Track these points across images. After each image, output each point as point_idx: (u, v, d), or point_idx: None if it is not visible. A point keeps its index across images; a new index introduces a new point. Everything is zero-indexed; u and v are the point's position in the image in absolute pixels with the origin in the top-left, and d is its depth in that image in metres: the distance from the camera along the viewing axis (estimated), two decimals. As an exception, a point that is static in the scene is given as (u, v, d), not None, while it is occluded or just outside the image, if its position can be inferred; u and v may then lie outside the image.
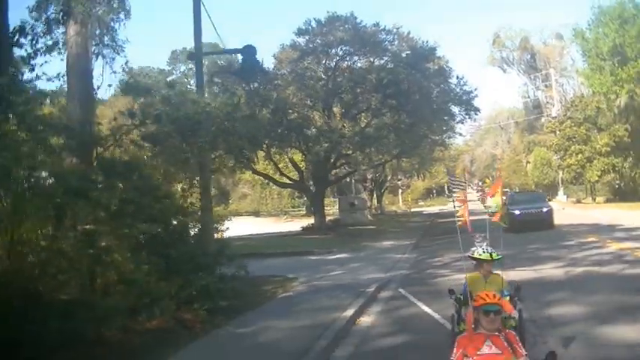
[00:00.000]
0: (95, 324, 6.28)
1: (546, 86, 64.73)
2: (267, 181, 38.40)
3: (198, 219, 10.06)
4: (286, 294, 11.20)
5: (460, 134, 45.45)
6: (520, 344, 4.40)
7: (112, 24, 10.79)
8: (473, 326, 4.55)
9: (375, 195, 50.73)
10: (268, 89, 26.32)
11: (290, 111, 27.02)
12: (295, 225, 34.12)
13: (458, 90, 29.29)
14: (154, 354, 6.67)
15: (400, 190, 66.86)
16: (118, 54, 12.51)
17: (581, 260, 13.57)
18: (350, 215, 36.15)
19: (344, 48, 27.30)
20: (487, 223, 5.89)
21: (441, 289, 8.67)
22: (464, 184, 6.58)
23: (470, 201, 6.50)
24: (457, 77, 29.43)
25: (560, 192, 53.17)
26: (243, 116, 12.22)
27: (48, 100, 7.99)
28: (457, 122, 33.08)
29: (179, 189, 10.10)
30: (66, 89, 9.59)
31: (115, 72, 16.75)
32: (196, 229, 10.06)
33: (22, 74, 9.15)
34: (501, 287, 5.50)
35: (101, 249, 6.58)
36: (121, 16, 11.32)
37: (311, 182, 32.67)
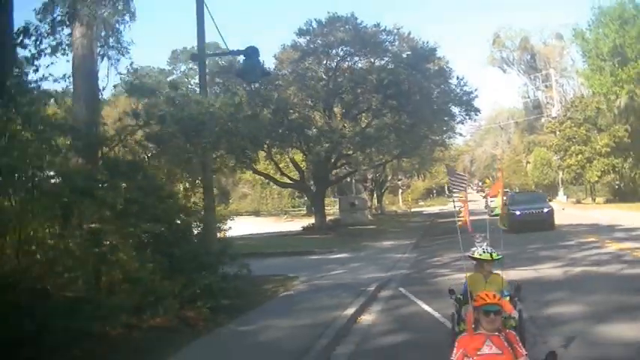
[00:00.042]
0: (100, 321, 6.37)
1: (546, 86, 64.81)
2: (267, 180, 38.49)
3: (201, 218, 10.15)
4: (287, 293, 11.27)
5: (460, 134, 45.59)
6: (520, 344, 4.41)
7: (117, 26, 10.91)
8: (473, 326, 4.55)
9: (375, 195, 50.83)
10: (269, 89, 26.41)
11: (291, 111, 27.13)
12: (295, 225, 34.19)
13: (458, 91, 29.42)
14: (158, 351, 6.73)
15: (400, 190, 66.97)
16: (123, 55, 12.64)
17: (580, 260, 13.66)
18: (350, 215, 36.25)
19: (345, 48, 27.38)
20: (487, 223, 5.96)
21: (441, 289, 8.75)
22: (465, 182, 6.59)
23: (470, 201, 6.56)
24: (457, 78, 29.60)
25: (560, 192, 53.28)
26: (245, 117, 12.32)
27: (53, 101, 8.07)
28: (457, 123, 33.27)
29: (182, 189, 10.20)
30: (70, 90, 9.69)
31: (120, 73, 16.90)
32: (199, 229, 10.16)
33: (27, 75, 9.26)
34: (501, 287, 5.50)
35: (106, 248, 6.67)
36: (126, 18, 11.45)
37: (312, 182, 32.78)
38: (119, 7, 10.31)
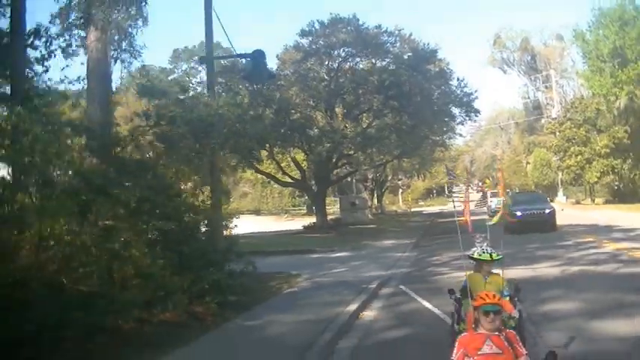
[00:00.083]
0: (113, 315, 6.61)
1: (546, 87, 64.96)
2: (268, 180, 38.70)
3: (209, 216, 10.38)
4: (291, 290, 11.47)
5: (460, 135, 45.59)
6: (520, 344, 4.40)
7: (129, 30, 11.17)
8: (473, 326, 4.53)
9: (375, 195, 51.07)
10: (272, 89, 26.61)
11: (293, 111, 27.37)
12: (296, 224, 34.32)
13: (458, 92, 29.70)
14: (168, 344, 6.92)
15: (400, 190, 67.19)
16: (135, 59, 12.92)
17: (577, 260, 13.83)
18: (351, 214, 36.47)
19: (346, 49, 27.61)
20: (487, 223, 6.08)
21: (441, 286, 8.98)
22: (466, 183, 6.73)
23: (471, 201, 6.69)
24: (458, 79, 29.91)
25: (560, 193, 53.46)
26: (252, 118, 12.57)
27: (70, 102, 8.30)
28: (457, 123, 33.55)
29: (189, 187, 10.42)
30: (81, 90, 9.94)
31: (131, 75, 17.10)
32: (205, 227, 10.38)
33: (37, 74, 9.53)
34: (501, 287, 5.48)
35: (120, 244, 6.92)
36: (139, 22, 11.72)
37: (313, 182, 33.00)
38: (132, 12, 10.56)
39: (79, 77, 9.09)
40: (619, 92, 41.29)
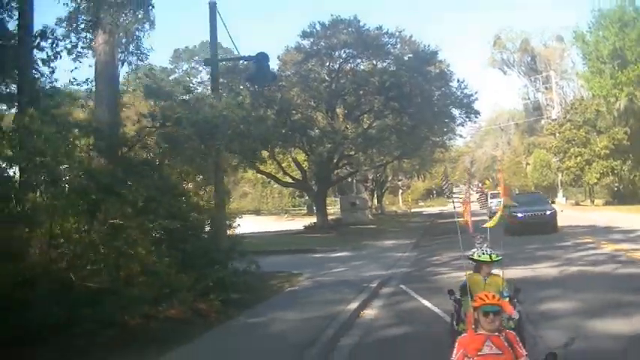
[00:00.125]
0: (120, 311, 6.77)
1: (546, 88, 65.05)
2: (268, 180, 38.82)
3: (213, 216, 10.53)
4: (292, 288, 11.61)
5: (460, 136, 45.62)
6: (520, 344, 4.40)
7: (137, 33, 11.33)
8: (473, 327, 4.53)
9: (375, 195, 51.21)
10: (273, 90, 26.72)
11: (294, 112, 27.52)
12: (296, 224, 34.44)
13: (459, 93, 29.83)
14: (173, 340, 7.08)
15: (400, 191, 67.34)
16: (142, 61, 13.07)
17: (576, 260, 13.92)
18: (351, 215, 36.61)
19: (347, 51, 27.74)
20: (484, 224, 6.16)
21: (441, 286, 9.12)
22: (466, 184, 6.74)
23: (471, 202, 6.72)
24: (458, 81, 30.04)
25: (560, 194, 53.54)
26: (256, 119, 12.74)
27: (77, 103, 8.45)
28: (457, 124, 33.65)
29: (193, 187, 10.58)
30: (89, 92, 10.10)
31: (138, 78, 17.23)
32: (209, 226, 10.54)
33: (43, 75, 9.68)
34: (500, 288, 5.47)
35: (126, 242, 7.07)
36: (146, 26, 11.88)
37: (313, 182, 33.14)
38: (139, 16, 10.73)
39: (87, 79, 9.25)
40: (619, 93, 41.39)
